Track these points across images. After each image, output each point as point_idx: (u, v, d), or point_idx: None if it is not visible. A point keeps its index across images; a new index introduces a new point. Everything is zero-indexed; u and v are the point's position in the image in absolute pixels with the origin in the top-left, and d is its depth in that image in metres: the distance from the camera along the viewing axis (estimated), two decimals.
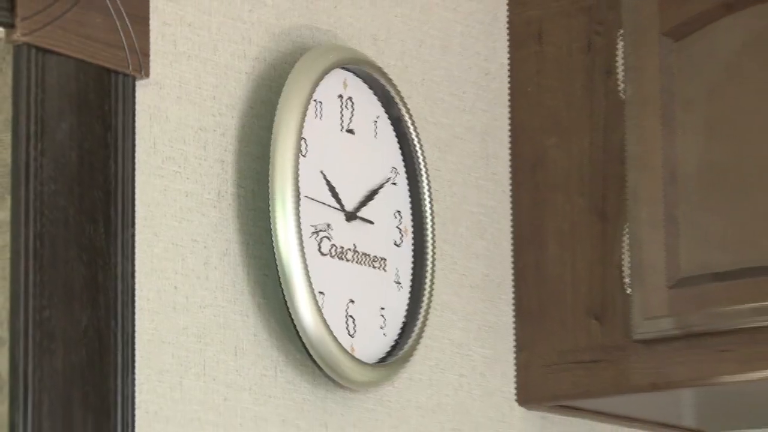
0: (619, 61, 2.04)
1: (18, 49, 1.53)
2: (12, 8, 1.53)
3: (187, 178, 1.76)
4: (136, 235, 1.65)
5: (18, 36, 1.52)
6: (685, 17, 1.99)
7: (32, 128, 1.55)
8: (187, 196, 1.72)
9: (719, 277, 1.94)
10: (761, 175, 1.92)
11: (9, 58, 1.58)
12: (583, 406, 2.12)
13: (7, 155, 1.57)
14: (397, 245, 1.93)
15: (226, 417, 1.75)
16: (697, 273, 1.97)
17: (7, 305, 1.56)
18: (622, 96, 2.01)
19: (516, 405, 2.09)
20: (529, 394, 2.10)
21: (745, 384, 1.95)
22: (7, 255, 1.55)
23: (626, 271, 1.99)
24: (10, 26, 1.53)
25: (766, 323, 1.90)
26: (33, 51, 1.55)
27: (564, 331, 2.06)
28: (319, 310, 1.78)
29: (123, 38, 1.61)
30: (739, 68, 1.95)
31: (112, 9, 1.62)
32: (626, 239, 2.01)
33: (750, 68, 1.95)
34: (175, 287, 1.72)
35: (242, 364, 1.79)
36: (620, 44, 2.01)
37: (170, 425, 1.69)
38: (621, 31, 2.01)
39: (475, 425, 2.03)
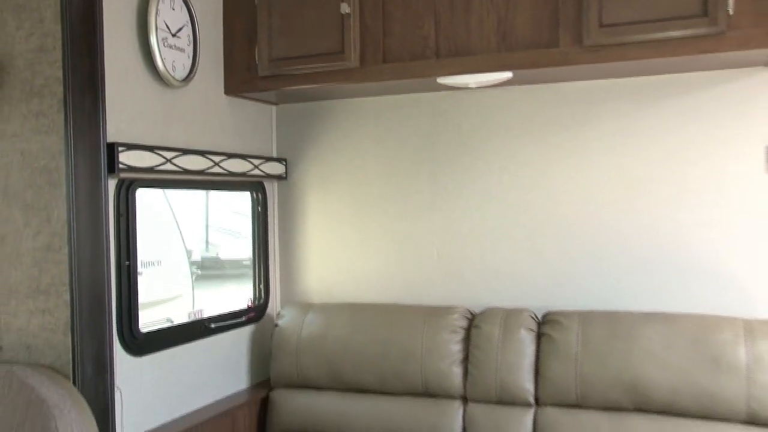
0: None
1: None
2: None
3: (119, 24, 1.96)
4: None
5: None
6: None
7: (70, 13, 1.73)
8: (118, 27, 1.93)
9: (283, 58, 2.16)
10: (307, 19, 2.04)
11: None
12: (249, 97, 2.30)
13: (58, 12, 1.71)
14: (188, 45, 2.18)
15: (134, 107, 1.92)
16: (276, 57, 2.16)
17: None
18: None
19: (223, 95, 2.28)
20: (228, 90, 2.27)
21: (294, 91, 2.15)
22: (60, 64, 1.68)
23: (259, 56, 2.14)
24: None
25: (309, 71, 2.08)
26: None
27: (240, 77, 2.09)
28: (164, 63, 2.08)
29: None
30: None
31: None
32: (257, 51, 2.11)
33: None
34: (121, 74, 1.91)
35: (138, 79, 1.98)
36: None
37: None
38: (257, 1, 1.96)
39: (207, 102, 2.13)
